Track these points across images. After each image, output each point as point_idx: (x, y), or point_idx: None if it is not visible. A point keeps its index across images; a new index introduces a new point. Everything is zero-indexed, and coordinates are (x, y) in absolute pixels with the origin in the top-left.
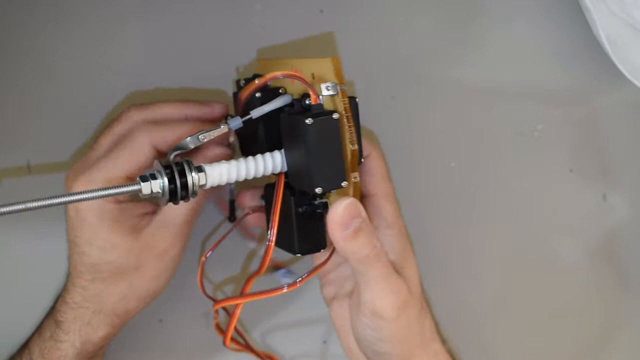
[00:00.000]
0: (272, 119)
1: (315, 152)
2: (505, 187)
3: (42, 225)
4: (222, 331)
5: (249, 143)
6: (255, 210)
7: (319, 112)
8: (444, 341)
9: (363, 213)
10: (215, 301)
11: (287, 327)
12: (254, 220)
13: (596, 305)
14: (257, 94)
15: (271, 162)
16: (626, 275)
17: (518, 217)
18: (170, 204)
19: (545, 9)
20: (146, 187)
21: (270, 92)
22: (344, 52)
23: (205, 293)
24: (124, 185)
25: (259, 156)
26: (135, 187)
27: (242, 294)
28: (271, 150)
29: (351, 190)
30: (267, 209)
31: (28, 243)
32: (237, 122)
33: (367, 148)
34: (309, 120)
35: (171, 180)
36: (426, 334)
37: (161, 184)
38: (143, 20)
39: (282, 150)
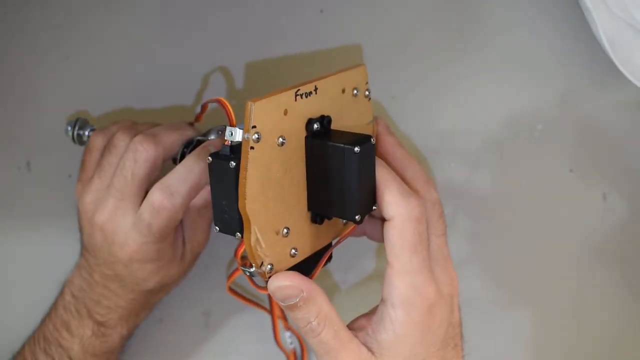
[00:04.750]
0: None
1: (215, 191)
2: (505, 187)
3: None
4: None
5: None
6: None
7: (224, 155)
8: None
9: (305, 292)
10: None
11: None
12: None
13: (596, 304)
14: None
15: None
16: (626, 275)
17: (518, 217)
18: None
19: (545, 9)
20: None
21: None
22: (343, 51)
23: None
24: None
25: None
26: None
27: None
28: None
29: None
30: None
31: (29, 243)
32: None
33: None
34: (209, 159)
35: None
36: None
37: None
38: (142, 21)
39: None
